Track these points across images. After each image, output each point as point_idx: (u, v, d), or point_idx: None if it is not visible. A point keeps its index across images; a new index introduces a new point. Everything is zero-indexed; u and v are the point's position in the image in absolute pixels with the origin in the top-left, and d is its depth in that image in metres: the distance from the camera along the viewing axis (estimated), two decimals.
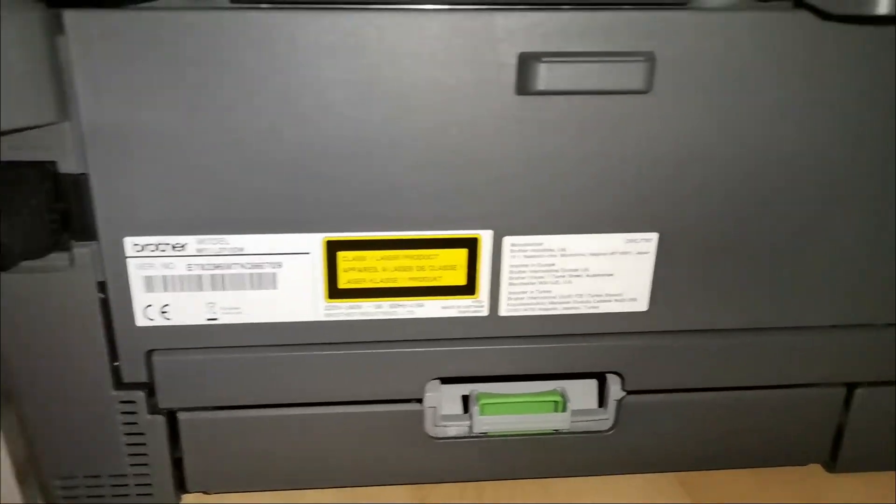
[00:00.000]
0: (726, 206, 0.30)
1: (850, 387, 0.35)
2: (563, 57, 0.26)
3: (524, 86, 0.26)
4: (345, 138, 0.27)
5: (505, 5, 0.26)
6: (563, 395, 0.34)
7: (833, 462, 0.36)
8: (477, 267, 0.30)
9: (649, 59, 0.26)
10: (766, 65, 0.27)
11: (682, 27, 0.26)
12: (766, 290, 0.32)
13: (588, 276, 0.31)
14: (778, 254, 0.31)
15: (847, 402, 0.35)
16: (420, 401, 0.33)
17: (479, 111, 0.27)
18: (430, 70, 0.26)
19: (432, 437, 0.34)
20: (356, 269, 0.29)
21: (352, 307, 0.30)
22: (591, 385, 0.35)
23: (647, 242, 0.30)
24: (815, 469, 0.37)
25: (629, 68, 0.26)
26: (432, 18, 0.25)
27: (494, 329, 0.31)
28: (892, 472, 0.36)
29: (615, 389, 0.33)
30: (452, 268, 0.30)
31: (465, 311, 0.31)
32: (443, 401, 0.34)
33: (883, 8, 0.24)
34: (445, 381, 0.33)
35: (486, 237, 0.30)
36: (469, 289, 0.30)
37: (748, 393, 0.34)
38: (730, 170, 0.29)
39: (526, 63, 0.26)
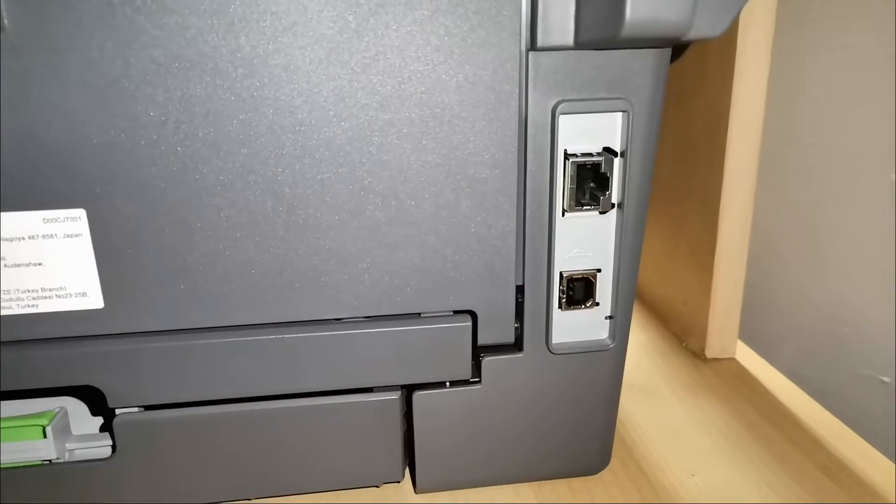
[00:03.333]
0: (176, 175, 0.24)
1: (409, 390, 0.29)
2: None
3: None
4: None
5: None
6: (55, 417, 0.28)
7: (414, 481, 0.31)
8: None
9: None
10: None
11: None
12: (270, 277, 0.26)
13: (7, 266, 0.25)
14: (277, 234, 0.25)
15: (408, 407, 0.29)
16: None
17: None
18: None
19: None
20: None
21: None
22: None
23: (74, 222, 0.24)
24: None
25: None
26: None
27: None
28: None
29: (94, 408, 0.27)
30: None
31: None
32: None
33: None
34: None
35: None
36: None
37: (286, 403, 0.28)
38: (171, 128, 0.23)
39: None
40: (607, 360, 0.30)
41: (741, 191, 0.39)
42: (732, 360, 0.43)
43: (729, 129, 0.38)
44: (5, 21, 0.22)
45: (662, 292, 0.49)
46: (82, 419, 0.29)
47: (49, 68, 0.22)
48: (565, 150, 0.26)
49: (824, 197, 0.49)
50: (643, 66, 0.25)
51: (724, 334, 0.43)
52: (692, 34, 0.21)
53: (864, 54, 0.44)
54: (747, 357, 0.43)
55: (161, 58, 0.23)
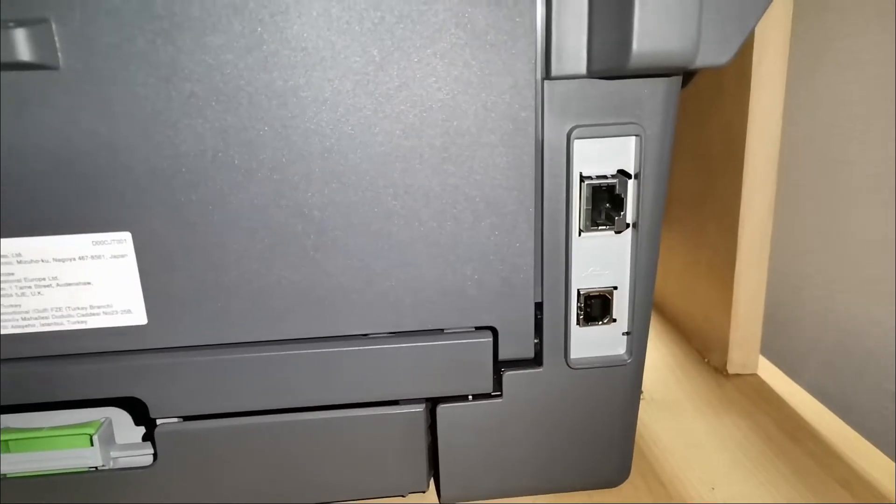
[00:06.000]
0: (211, 198, 0.26)
1: (433, 403, 0.30)
2: None
3: None
4: None
5: None
6: (101, 427, 0.30)
7: (438, 492, 0.32)
8: None
9: (31, 24, 0.23)
10: None
11: None
12: (300, 295, 0.28)
13: (60, 285, 0.26)
14: (309, 253, 0.27)
15: (432, 420, 0.31)
16: None
17: None
18: None
19: None
20: None
21: None
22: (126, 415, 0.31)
23: (121, 244, 0.26)
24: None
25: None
26: None
27: None
28: None
29: (137, 418, 0.29)
30: None
31: None
32: None
33: None
34: None
35: None
36: None
37: (316, 415, 0.30)
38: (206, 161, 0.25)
39: None
40: (625, 375, 0.31)
41: (760, 206, 0.40)
42: (754, 375, 0.44)
43: (746, 145, 0.39)
44: (61, 61, 0.24)
45: (684, 308, 0.49)
46: (126, 429, 0.31)
47: (98, 103, 0.24)
48: (580, 172, 0.27)
49: (845, 210, 0.49)
50: (654, 91, 0.26)
51: (745, 350, 0.43)
52: (699, 63, 0.22)
53: (882, 70, 0.44)
54: (769, 373, 0.44)
55: (200, 92, 0.24)
